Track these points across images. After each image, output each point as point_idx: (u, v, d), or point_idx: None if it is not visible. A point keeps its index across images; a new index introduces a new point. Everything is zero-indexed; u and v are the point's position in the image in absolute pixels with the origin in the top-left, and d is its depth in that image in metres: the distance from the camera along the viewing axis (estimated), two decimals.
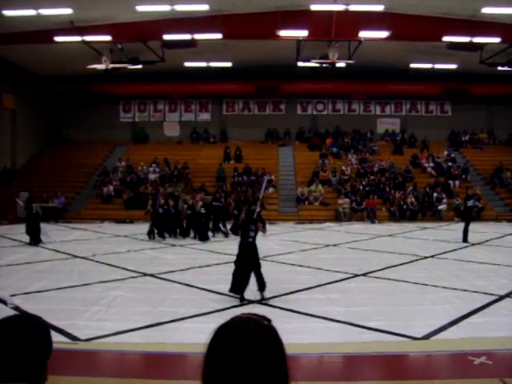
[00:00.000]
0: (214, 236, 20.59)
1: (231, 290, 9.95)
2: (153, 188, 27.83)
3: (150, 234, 19.74)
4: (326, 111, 35.70)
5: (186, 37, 24.26)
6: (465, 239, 18.12)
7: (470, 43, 24.31)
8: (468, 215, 18.83)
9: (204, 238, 19.54)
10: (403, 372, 6.64)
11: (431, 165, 31.02)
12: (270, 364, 1.50)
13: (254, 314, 1.62)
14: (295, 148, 33.70)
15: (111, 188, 28.43)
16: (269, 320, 1.60)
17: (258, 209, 11.27)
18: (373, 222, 25.82)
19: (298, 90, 33.51)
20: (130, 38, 24.31)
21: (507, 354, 7.20)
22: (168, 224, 20.21)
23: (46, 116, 34.86)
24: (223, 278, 11.92)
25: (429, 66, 29.60)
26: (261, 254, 15.32)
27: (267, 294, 10.16)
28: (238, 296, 9.90)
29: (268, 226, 23.77)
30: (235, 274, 10.03)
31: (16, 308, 8.79)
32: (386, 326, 8.12)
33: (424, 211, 26.98)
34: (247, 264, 10.04)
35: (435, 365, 6.91)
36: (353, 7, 21.07)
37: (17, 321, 1.93)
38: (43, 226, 18.88)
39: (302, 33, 24.00)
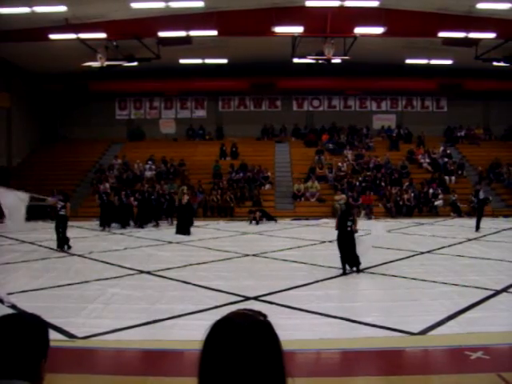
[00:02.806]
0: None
1: (351, 266, 12.26)
2: (149, 185, 27.81)
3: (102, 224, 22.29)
4: (322, 107, 35.70)
5: (182, 34, 24.21)
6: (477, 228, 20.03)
7: (466, 39, 24.33)
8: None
9: (184, 232, 19.90)
10: (400, 367, 6.66)
11: (427, 160, 31.06)
12: (266, 359, 1.50)
13: (250, 310, 1.62)
14: (291, 144, 33.70)
15: (107, 185, 28.36)
16: (264, 315, 1.61)
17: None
18: (369, 218, 25.85)
19: (294, 87, 33.49)
20: (125, 36, 24.23)
21: (504, 348, 7.23)
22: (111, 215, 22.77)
23: (42, 114, 34.77)
24: (220, 274, 11.97)
25: (424, 61, 29.61)
26: (258, 250, 15.48)
27: (264, 290, 10.18)
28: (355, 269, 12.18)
29: (266, 223, 23.90)
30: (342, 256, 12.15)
31: (13, 306, 8.78)
32: (383, 321, 8.14)
33: (420, 207, 27.03)
34: (347, 247, 12.05)
35: (432, 360, 6.94)
36: (348, 3, 21.08)
37: (15, 319, 1.93)
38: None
39: (298, 29, 23.99)
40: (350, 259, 12.12)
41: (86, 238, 19.23)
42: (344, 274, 11.91)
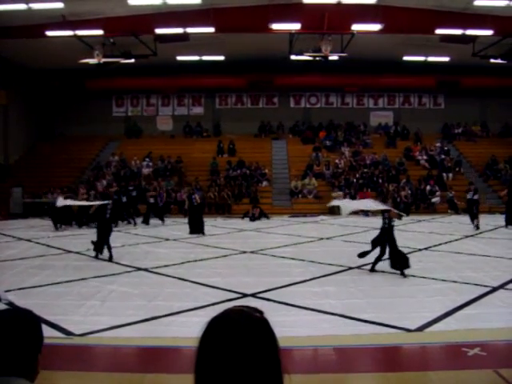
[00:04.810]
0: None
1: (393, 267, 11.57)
2: (146, 182, 27.80)
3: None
4: (319, 104, 35.67)
5: (179, 30, 24.16)
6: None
7: (463, 36, 24.33)
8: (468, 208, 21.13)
9: (199, 231, 19.42)
10: (397, 364, 6.67)
11: (424, 157, 31.09)
12: (263, 355, 1.50)
13: (246, 307, 1.62)
14: (289, 141, 33.69)
15: (104, 183, 28.33)
16: (261, 312, 1.61)
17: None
18: (367, 215, 25.86)
19: (291, 84, 33.46)
20: (122, 32, 24.16)
21: (501, 345, 7.24)
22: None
23: (39, 111, 34.68)
24: (217, 271, 11.98)
25: (422, 58, 29.60)
26: (255, 247, 15.47)
27: (262, 287, 10.20)
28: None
29: (261, 220, 23.92)
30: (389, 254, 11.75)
31: (10, 303, 8.77)
32: (380, 318, 8.15)
33: (417, 204, 27.05)
34: (385, 244, 11.73)
35: (429, 356, 6.95)
36: (345, 0, 21.04)
37: (7, 314, 1.92)
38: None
39: (295, 26, 23.95)
40: (394, 258, 11.62)
41: (82, 235, 19.20)
42: (373, 270, 11.76)
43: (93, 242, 14.14)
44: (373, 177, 29.00)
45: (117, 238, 18.43)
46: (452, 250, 14.79)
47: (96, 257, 13.93)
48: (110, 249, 13.90)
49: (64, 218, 21.44)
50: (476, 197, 20.78)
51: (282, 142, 33.60)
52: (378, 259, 11.80)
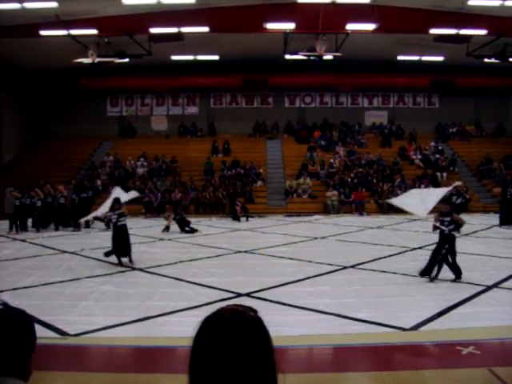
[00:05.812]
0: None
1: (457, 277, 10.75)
2: (141, 182, 27.76)
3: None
4: (314, 104, 35.67)
5: (173, 30, 24.14)
6: None
7: (457, 35, 24.39)
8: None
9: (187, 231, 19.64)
10: (392, 363, 6.69)
11: (419, 157, 31.15)
12: (257, 354, 1.50)
13: (240, 305, 1.62)
14: (283, 141, 33.69)
15: (99, 183, 28.29)
16: (255, 311, 1.61)
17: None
18: (361, 215, 25.92)
19: (286, 83, 33.46)
20: (117, 32, 24.10)
21: (495, 343, 7.27)
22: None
23: (33, 111, 34.55)
24: (212, 271, 11.98)
25: (416, 58, 29.65)
26: (250, 247, 15.47)
27: (256, 287, 10.21)
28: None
29: (257, 219, 23.91)
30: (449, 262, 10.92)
31: (4, 304, 8.75)
32: (375, 317, 8.17)
33: None
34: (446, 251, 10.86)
35: (424, 355, 6.97)
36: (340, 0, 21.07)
37: (0, 315, 1.91)
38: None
39: (290, 25, 23.95)
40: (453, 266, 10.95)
41: (77, 235, 19.17)
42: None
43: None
44: (367, 176, 29.03)
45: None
46: None
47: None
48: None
49: (21, 221, 20.48)
50: (459, 201, 20.58)
51: (277, 142, 33.61)
52: (456, 268, 10.92)
